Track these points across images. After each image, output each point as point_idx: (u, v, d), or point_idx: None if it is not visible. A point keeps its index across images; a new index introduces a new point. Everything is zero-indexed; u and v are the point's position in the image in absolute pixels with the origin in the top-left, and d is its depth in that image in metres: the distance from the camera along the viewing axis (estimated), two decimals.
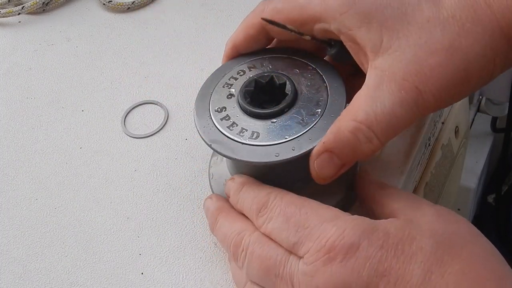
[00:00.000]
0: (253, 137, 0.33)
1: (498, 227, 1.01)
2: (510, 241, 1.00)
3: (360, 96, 0.31)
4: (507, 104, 0.83)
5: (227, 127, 0.33)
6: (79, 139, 0.47)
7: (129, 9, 0.59)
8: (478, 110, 0.94)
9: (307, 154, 0.32)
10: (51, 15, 0.60)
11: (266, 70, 0.36)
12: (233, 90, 0.36)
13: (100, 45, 0.56)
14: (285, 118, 0.33)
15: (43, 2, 0.59)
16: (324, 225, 0.29)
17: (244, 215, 0.34)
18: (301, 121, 0.33)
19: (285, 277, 0.30)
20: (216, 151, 0.33)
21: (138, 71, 0.52)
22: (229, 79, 0.37)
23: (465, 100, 0.56)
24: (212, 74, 0.37)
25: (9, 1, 0.61)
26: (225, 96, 0.35)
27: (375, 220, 0.30)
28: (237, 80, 0.36)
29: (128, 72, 0.52)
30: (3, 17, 0.59)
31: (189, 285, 0.37)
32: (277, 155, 0.32)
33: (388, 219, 0.30)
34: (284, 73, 0.35)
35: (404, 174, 0.40)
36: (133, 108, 0.49)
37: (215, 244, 0.38)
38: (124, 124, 0.47)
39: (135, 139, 0.46)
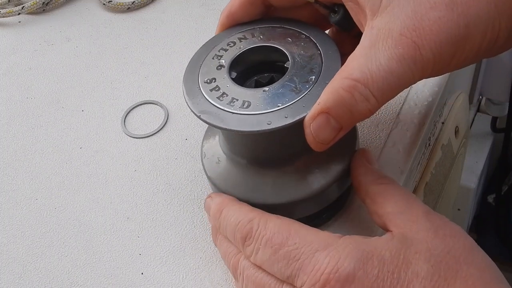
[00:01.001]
0: (244, 106, 0.31)
1: (498, 227, 1.01)
2: (510, 241, 1.00)
3: (355, 56, 0.30)
4: (507, 104, 0.83)
5: (216, 97, 0.32)
6: (79, 139, 0.47)
7: (129, 9, 0.59)
8: (478, 110, 0.94)
9: (302, 123, 0.30)
10: (51, 15, 0.60)
11: (257, 40, 0.35)
12: (223, 61, 0.34)
13: (100, 45, 0.56)
14: (277, 86, 0.32)
15: (43, 2, 0.59)
16: (316, 256, 0.28)
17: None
18: (294, 89, 0.31)
19: None
20: (206, 122, 0.31)
21: (138, 71, 0.52)
22: (219, 51, 0.35)
23: (465, 100, 0.56)
24: (201, 47, 0.36)
25: (9, 1, 0.61)
26: (215, 67, 0.34)
27: (367, 241, 0.29)
28: (227, 52, 0.35)
29: (128, 72, 0.52)
30: (3, 17, 0.59)
31: (189, 285, 0.37)
32: (269, 123, 0.30)
33: (382, 239, 0.29)
34: (276, 44, 0.34)
35: (404, 174, 0.40)
36: (133, 108, 0.49)
37: (215, 244, 0.38)
38: (124, 124, 0.47)
39: (135, 139, 0.46)
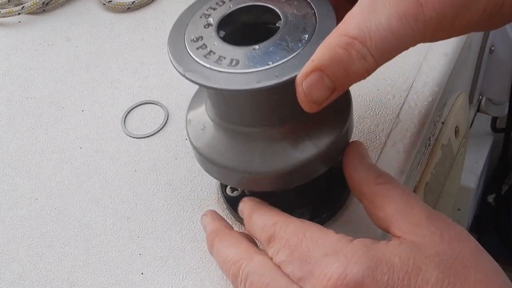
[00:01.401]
0: (232, 64, 0.29)
1: (498, 227, 1.01)
2: (510, 241, 1.00)
3: (353, 13, 0.28)
4: (507, 104, 0.83)
5: (203, 56, 0.30)
6: (79, 139, 0.47)
7: (129, 9, 0.59)
8: (478, 110, 0.94)
9: (293, 82, 0.28)
10: (51, 15, 0.60)
11: (248, 0, 0.33)
12: (211, 19, 0.32)
13: (100, 45, 0.56)
14: (267, 44, 0.30)
15: (43, 2, 0.59)
16: (325, 261, 0.28)
17: (240, 238, 0.34)
18: (286, 47, 0.29)
19: None
20: (191, 81, 0.29)
21: (138, 71, 0.52)
22: (207, 10, 0.33)
23: (465, 100, 0.56)
24: (188, 6, 0.34)
25: (9, 1, 0.61)
26: (202, 26, 0.32)
27: (377, 247, 0.28)
28: (216, 10, 0.33)
29: (128, 72, 0.52)
30: (3, 17, 0.59)
31: (189, 285, 0.37)
32: (259, 81, 0.28)
33: (391, 244, 0.29)
34: (267, 3, 0.32)
35: (404, 174, 0.40)
36: (133, 108, 0.49)
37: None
38: (124, 124, 0.47)
39: (135, 139, 0.46)
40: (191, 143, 0.35)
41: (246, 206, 0.35)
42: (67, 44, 0.56)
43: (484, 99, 0.86)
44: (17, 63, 0.55)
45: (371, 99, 0.44)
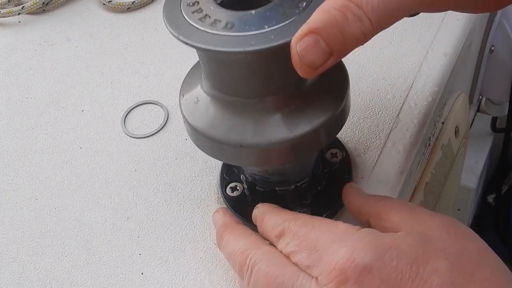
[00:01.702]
0: (227, 27, 0.29)
1: (498, 227, 1.01)
2: (510, 241, 1.00)
3: None
4: (507, 104, 0.83)
5: (198, 19, 0.30)
6: (79, 139, 0.47)
7: (129, 9, 0.59)
8: (478, 110, 0.94)
9: (289, 49, 0.27)
10: (51, 15, 0.60)
11: None
12: None
13: (100, 45, 0.56)
14: (264, 9, 0.29)
15: (43, 2, 0.59)
16: (334, 246, 0.28)
17: (250, 231, 0.34)
18: (283, 13, 0.29)
19: None
20: (184, 42, 0.29)
21: (138, 71, 0.52)
22: None
23: (465, 100, 0.56)
24: None
25: (9, 1, 0.61)
26: None
27: (385, 235, 0.28)
28: None
29: (128, 72, 0.52)
30: (3, 17, 0.59)
31: (189, 285, 0.37)
32: (253, 43, 0.28)
33: (399, 233, 0.29)
34: None
35: (404, 174, 0.40)
36: (133, 108, 0.49)
37: (215, 244, 0.38)
38: (124, 124, 0.47)
39: (135, 139, 0.46)
40: (184, 118, 0.34)
41: (259, 210, 0.36)
42: (67, 44, 0.56)
43: (484, 99, 0.86)
44: (17, 63, 0.55)
45: (371, 99, 0.44)
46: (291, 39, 0.27)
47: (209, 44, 0.28)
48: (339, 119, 0.33)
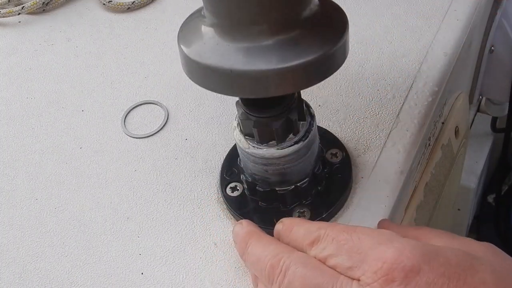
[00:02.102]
0: None
1: (498, 227, 1.01)
2: (510, 241, 1.00)
3: None
4: (507, 104, 0.83)
5: None
6: (79, 139, 0.47)
7: (129, 9, 0.59)
8: (478, 110, 0.94)
9: None
10: (51, 15, 0.60)
11: None
12: None
13: (100, 45, 0.56)
14: None
15: (43, 2, 0.59)
16: (380, 247, 0.28)
17: (277, 239, 0.34)
18: None
19: None
20: None
21: (138, 71, 0.52)
22: None
23: (465, 100, 0.56)
24: None
25: (9, 1, 0.61)
26: None
27: (433, 244, 0.28)
28: None
29: (128, 72, 0.52)
30: (3, 17, 0.59)
31: (189, 285, 0.37)
32: None
33: (446, 246, 0.29)
34: None
35: (404, 174, 0.40)
36: (133, 108, 0.49)
37: (215, 244, 0.38)
38: (124, 124, 0.47)
39: (135, 139, 0.46)
40: (180, 49, 0.33)
41: (284, 223, 0.35)
42: (67, 44, 0.56)
43: (484, 99, 0.86)
44: (17, 63, 0.55)
45: (371, 99, 0.44)
46: None
47: None
48: (333, 58, 0.32)
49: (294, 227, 0.34)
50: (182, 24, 0.35)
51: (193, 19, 0.35)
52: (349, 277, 0.29)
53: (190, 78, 0.34)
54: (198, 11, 0.35)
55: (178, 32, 0.35)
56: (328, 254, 0.30)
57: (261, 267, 0.32)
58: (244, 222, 0.36)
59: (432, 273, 0.26)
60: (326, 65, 0.32)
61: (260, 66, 0.31)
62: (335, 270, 0.29)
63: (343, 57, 0.34)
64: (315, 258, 0.31)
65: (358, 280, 0.28)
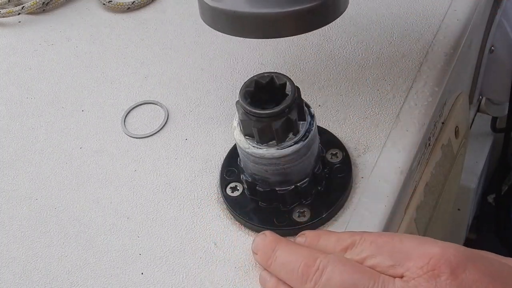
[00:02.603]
0: None
1: (498, 227, 1.01)
2: (510, 241, 1.00)
3: None
4: (507, 104, 0.83)
5: None
6: (79, 139, 0.47)
7: (129, 9, 0.59)
8: (478, 110, 0.94)
9: None
10: (51, 15, 0.60)
11: None
12: None
13: (100, 45, 0.56)
14: None
15: (43, 2, 0.59)
16: (424, 246, 0.29)
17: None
18: None
19: None
20: None
21: (138, 71, 0.52)
22: None
23: (465, 100, 0.56)
24: None
25: (9, 1, 0.61)
26: None
27: (474, 249, 0.29)
28: None
29: (128, 72, 0.52)
30: (3, 17, 0.59)
31: (189, 285, 0.37)
32: None
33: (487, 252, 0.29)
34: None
35: (404, 174, 0.40)
36: (133, 108, 0.49)
37: (215, 244, 0.38)
38: (124, 124, 0.47)
39: (135, 139, 0.46)
40: None
41: (308, 233, 0.35)
42: (67, 44, 0.56)
43: (484, 99, 0.86)
44: (17, 63, 0.55)
45: (371, 99, 0.44)
46: None
47: None
48: (327, 9, 0.35)
49: (321, 237, 0.34)
50: None
51: None
52: (390, 275, 0.29)
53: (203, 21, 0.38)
54: None
55: None
56: (366, 256, 0.30)
57: (293, 267, 0.32)
58: (267, 232, 0.36)
59: (478, 272, 0.27)
60: (327, 8, 0.35)
61: (258, 9, 0.34)
62: (374, 270, 0.29)
63: (340, 6, 0.37)
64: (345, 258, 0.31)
65: (401, 277, 0.28)
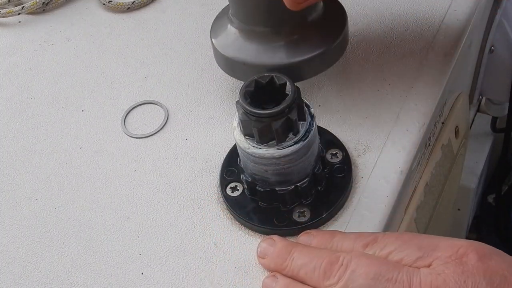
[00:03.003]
0: None
1: (498, 227, 1.01)
2: (510, 241, 1.00)
3: None
4: (507, 104, 0.83)
5: None
6: (79, 139, 0.47)
7: (129, 9, 0.59)
8: (478, 110, 0.94)
9: None
10: (51, 15, 0.60)
11: None
12: None
13: (100, 45, 0.56)
14: None
15: (43, 2, 0.59)
16: (451, 240, 0.30)
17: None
18: None
19: (401, 280, 0.29)
20: None
21: (138, 71, 0.52)
22: None
23: (465, 100, 0.56)
24: None
25: (9, 1, 0.61)
26: None
27: None
28: None
29: (128, 72, 0.52)
30: (3, 17, 0.59)
31: (189, 285, 0.37)
32: None
33: None
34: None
35: (404, 174, 0.40)
36: (133, 108, 0.49)
37: (215, 244, 0.38)
38: (124, 124, 0.47)
39: (135, 139, 0.46)
40: (218, 52, 0.43)
41: (317, 232, 0.36)
42: (67, 44, 0.56)
43: (484, 99, 0.86)
44: (17, 63, 0.55)
45: (371, 99, 0.44)
46: None
47: None
48: (333, 53, 0.41)
49: (336, 235, 0.34)
50: (214, 20, 0.45)
51: (219, 22, 0.45)
52: (416, 267, 0.29)
53: (217, 63, 0.44)
54: (226, 11, 0.44)
55: (212, 39, 0.44)
56: (389, 251, 0.31)
57: (315, 265, 0.32)
58: (276, 237, 0.36)
59: (503, 262, 0.29)
60: (329, 56, 0.41)
61: (267, 60, 0.40)
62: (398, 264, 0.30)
63: (341, 50, 0.43)
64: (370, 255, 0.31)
65: (429, 266, 0.29)
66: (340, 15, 0.42)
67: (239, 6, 0.41)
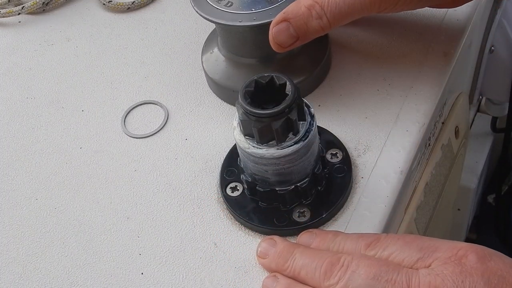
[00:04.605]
0: (228, 5, 0.41)
1: (498, 227, 1.01)
2: (510, 241, 1.00)
3: None
4: (507, 104, 0.83)
5: (216, 1, 0.41)
6: (79, 139, 0.47)
7: (129, 9, 0.59)
8: (478, 110, 0.94)
9: (267, 26, 0.38)
10: (51, 15, 0.60)
11: None
12: None
13: (100, 45, 0.56)
14: None
15: (43, 2, 0.59)
16: (452, 242, 0.30)
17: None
18: (269, 1, 0.40)
19: (400, 281, 0.29)
20: (195, 10, 0.42)
21: (138, 71, 0.52)
22: None
23: (465, 100, 0.56)
24: None
25: (9, 1, 0.61)
26: None
27: None
28: None
29: (128, 72, 0.52)
30: (3, 17, 0.59)
31: (189, 285, 0.37)
32: (240, 21, 0.40)
33: None
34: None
35: (404, 174, 0.40)
36: (133, 108, 0.49)
37: (215, 244, 0.38)
38: (124, 124, 0.47)
39: (135, 139, 0.46)
40: (208, 77, 0.47)
41: (318, 231, 0.36)
42: (67, 44, 0.56)
43: (484, 99, 0.86)
44: (17, 63, 0.55)
45: (371, 99, 0.44)
46: (268, 21, 0.38)
47: (211, 16, 0.41)
48: (316, 77, 0.45)
49: (338, 235, 0.34)
50: (204, 45, 0.49)
51: (209, 48, 0.48)
52: (416, 268, 0.30)
53: (210, 88, 0.48)
54: (213, 40, 0.47)
55: (201, 54, 0.48)
56: (391, 252, 0.31)
57: (316, 266, 0.32)
58: (276, 237, 0.36)
59: (503, 263, 0.29)
60: (313, 80, 0.45)
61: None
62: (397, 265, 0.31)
63: (324, 72, 0.46)
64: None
65: (428, 267, 0.29)
66: (323, 37, 0.45)
67: (226, 39, 0.44)
